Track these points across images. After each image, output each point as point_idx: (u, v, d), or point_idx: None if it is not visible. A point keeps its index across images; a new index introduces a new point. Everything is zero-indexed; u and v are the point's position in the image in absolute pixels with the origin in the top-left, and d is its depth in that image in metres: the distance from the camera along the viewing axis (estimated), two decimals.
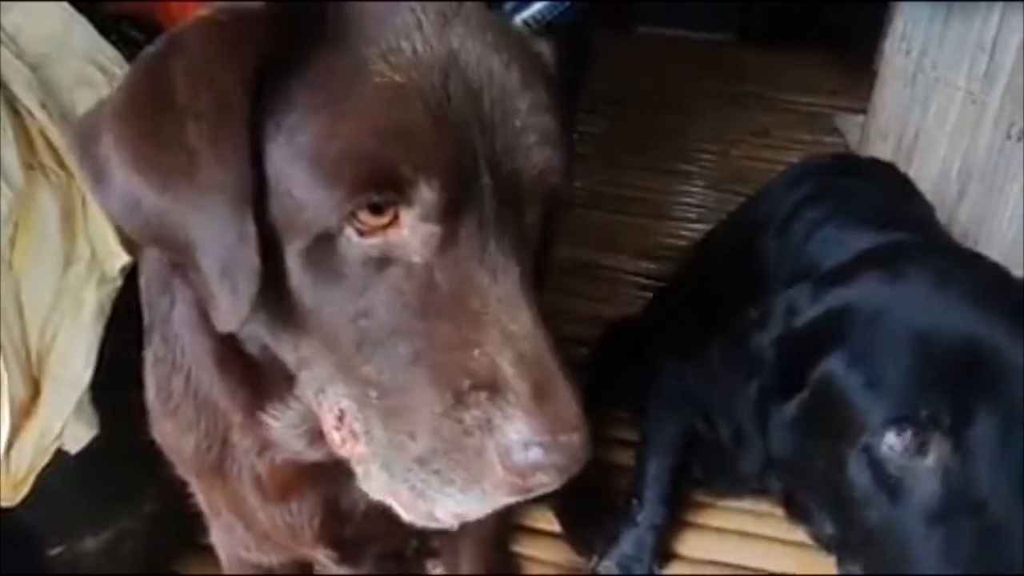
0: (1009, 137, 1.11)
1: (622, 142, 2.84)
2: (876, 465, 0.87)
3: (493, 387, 0.58)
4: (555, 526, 1.46)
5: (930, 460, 0.85)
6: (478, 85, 0.61)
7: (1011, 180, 1.10)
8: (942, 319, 0.88)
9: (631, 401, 1.49)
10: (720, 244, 1.36)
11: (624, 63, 3.17)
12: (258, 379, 0.70)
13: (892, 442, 0.85)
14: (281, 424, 0.73)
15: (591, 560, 1.38)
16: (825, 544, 1.02)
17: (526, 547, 1.44)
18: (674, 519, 1.42)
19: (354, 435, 0.64)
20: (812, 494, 1.00)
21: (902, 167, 1.44)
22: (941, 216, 1.27)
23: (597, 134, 2.87)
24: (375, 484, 0.63)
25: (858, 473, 0.89)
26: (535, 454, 0.56)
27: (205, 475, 0.83)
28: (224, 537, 0.96)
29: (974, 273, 0.95)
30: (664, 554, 1.41)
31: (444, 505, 0.60)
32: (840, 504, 0.93)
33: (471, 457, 0.57)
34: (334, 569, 0.94)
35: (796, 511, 1.08)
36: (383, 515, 0.87)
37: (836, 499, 0.93)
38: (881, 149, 1.52)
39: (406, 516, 0.64)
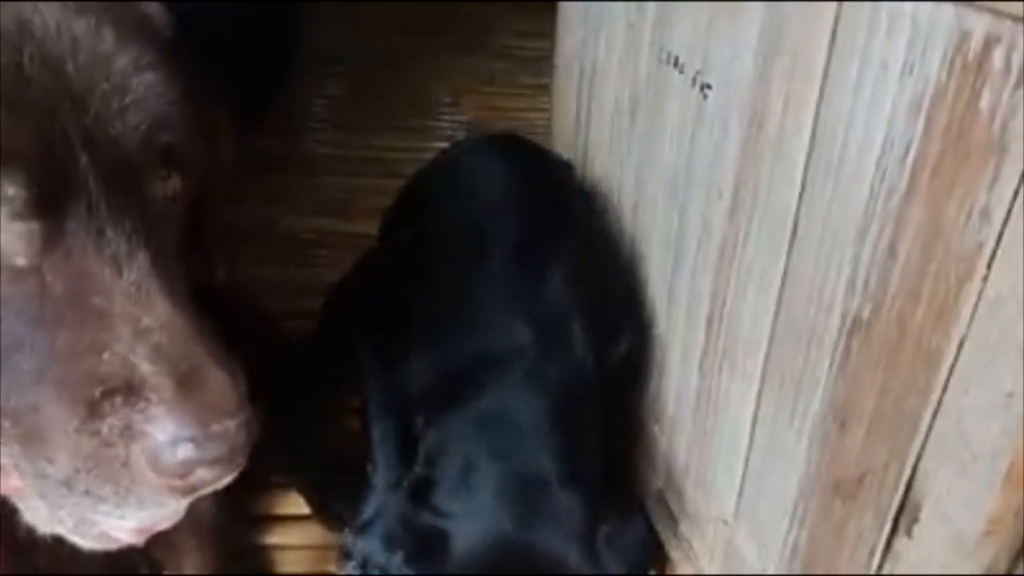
0: (660, 61, 1.17)
1: (353, 102, 2.79)
2: None
3: (129, 389, 0.53)
4: (305, 509, 1.43)
5: None
6: (59, 54, 0.55)
7: (667, 104, 1.16)
8: None
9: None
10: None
11: (346, 20, 3.10)
12: None
13: None
14: None
15: (344, 535, 1.37)
16: None
17: (277, 536, 1.40)
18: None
19: (6, 470, 0.58)
20: None
21: (584, 101, 1.50)
22: (618, 147, 1.34)
23: (330, 96, 2.80)
24: (39, 517, 0.59)
25: None
26: (186, 451, 0.52)
27: None
28: None
29: None
30: None
31: (112, 525, 0.56)
32: None
33: (117, 469, 0.53)
34: None
35: None
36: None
37: None
38: (568, 85, 1.58)
39: (83, 543, 0.59)
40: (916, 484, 0.79)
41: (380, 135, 2.61)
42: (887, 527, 0.83)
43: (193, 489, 0.55)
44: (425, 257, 1.37)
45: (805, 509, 0.96)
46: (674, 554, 1.31)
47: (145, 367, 0.53)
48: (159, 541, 1.02)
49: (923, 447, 0.77)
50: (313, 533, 1.40)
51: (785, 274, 0.95)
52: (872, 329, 0.81)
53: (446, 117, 2.75)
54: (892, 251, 0.77)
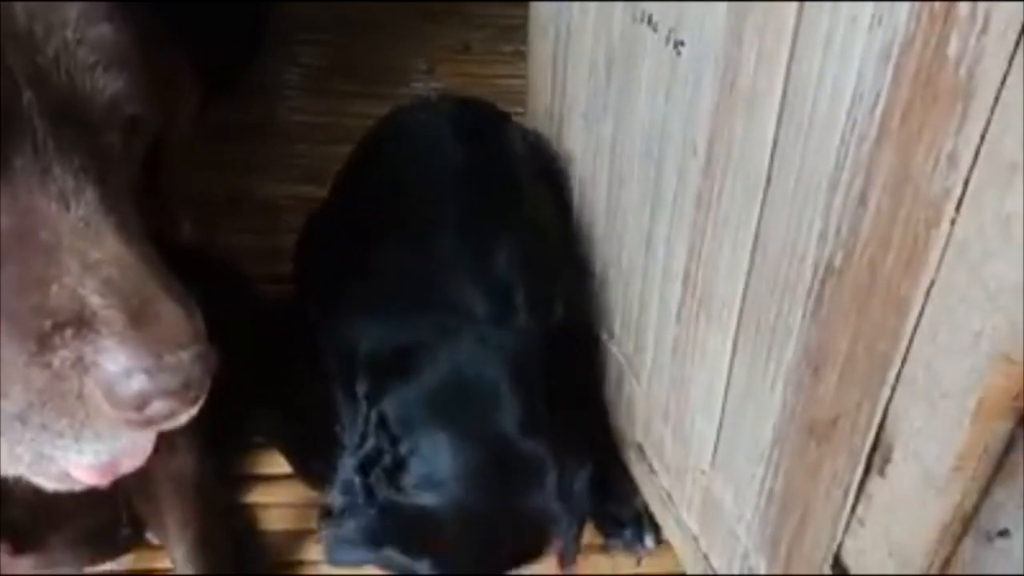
0: (634, 20, 1.18)
1: (329, 70, 2.76)
2: None
3: (80, 321, 0.53)
4: (286, 467, 1.45)
5: None
6: None
7: (642, 62, 1.17)
8: None
9: None
10: None
11: None
12: None
13: None
14: None
15: (326, 492, 1.39)
16: None
17: (261, 495, 1.42)
18: None
19: None
20: None
21: (560, 63, 1.51)
22: (594, 107, 1.35)
23: (305, 64, 2.77)
24: (2, 460, 0.57)
25: None
26: (140, 382, 0.52)
27: None
28: None
29: None
30: None
31: (72, 460, 0.56)
32: None
33: (72, 402, 0.53)
34: (16, 566, 0.87)
35: None
36: (42, 492, 0.81)
37: None
38: (543, 49, 1.58)
39: (47, 484, 0.59)
40: (888, 425, 0.81)
41: (356, 103, 2.59)
42: (860, 468, 0.86)
43: (150, 423, 0.55)
44: (369, 221, 1.38)
45: (780, 453, 0.99)
46: (655, 506, 1.34)
47: (95, 300, 0.53)
48: (142, 498, 1.03)
49: (894, 388, 0.79)
50: (295, 491, 1.42)
51: (759, 226, 0.96)
52: (844, 276, 0.83)
53: (421, 85, 2.74)
54: (863, 199, 0.79)
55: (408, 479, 1.15)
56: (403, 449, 1.17)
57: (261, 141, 2.30)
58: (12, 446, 0.55)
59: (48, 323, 0.53)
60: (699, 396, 1.16)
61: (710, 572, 1.20)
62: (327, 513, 1.38)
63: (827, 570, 0.93)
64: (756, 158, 0.93)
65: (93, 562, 1.26)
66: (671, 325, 1.21)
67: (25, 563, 0.88)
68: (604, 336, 1.46)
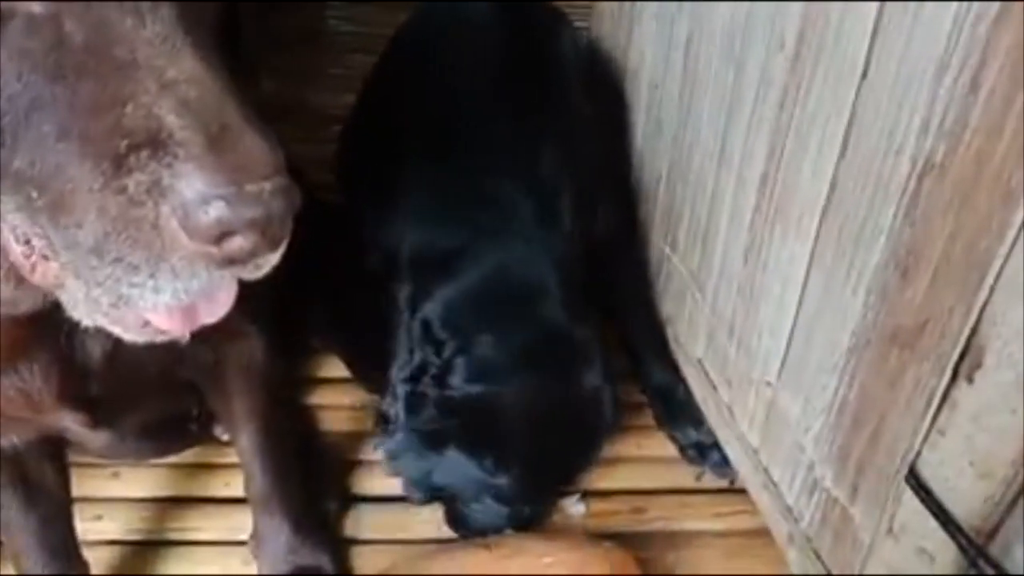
0: None
1: None
2: None
3: (156, 142, 0.50)
4: (344, 371, 1.45)
5: None
6: None
7: None
8: None
9: None
10: None
11: None
12: None
13: None
14: None
15: (383, 396, 1.39)
16: None
17: (320, 397, 1.43)
18: None
19: (43, 255, 0.56)
20: None
21: None
22: (669, 7, 1.29)
23: None
24: (79, 305, 0.56)
25: None
26: (218, 209, 0.49)
27: None
28: None
29: None
30: None
31: (149, 302, 0.52)
32: None
33: (147, 231, 0.50)
34: (91, 440, 0.87)
35: None
36: (126, 366, 0.81)
37: None
38: None
39: (127, 334, 0.57)
40: (982, 329, 0.77)
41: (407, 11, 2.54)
42: (947, 375, 0.82)
43: (230, 260, 0.52)
44: (409, 122, 1.34)
45: (857, 362, 0.95)
46: (714, 421, 1.32)
47: (172, 120, 0.50)
48: (212, 387, 1.04)
49: (992, 290, 0.75)
50: (352, 394, 1.43)
51: (850, 123, 0.92)
52: (946, 171, 0.79)
53: None
54: (974, 86, 0.74)
55: (458, 378, 1.14)
56: (450, 351, 1.16)
57: (314, 50, 2.27)
58: (90, 287, 0.53)
59: (123, 144, 0.50)
60: (769, 308, 1.13)
61: (770, 485, 1.18)
62: (383, 418, 1.39)
63: (901, 481, 0.91)
64: (853, 48, 0.88)
65: (160, 453, 1.29)
66: (742, 235, 1.17)
67: (100, 439, 0.88)
68: (667, 250, 1.42)
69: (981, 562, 0.81)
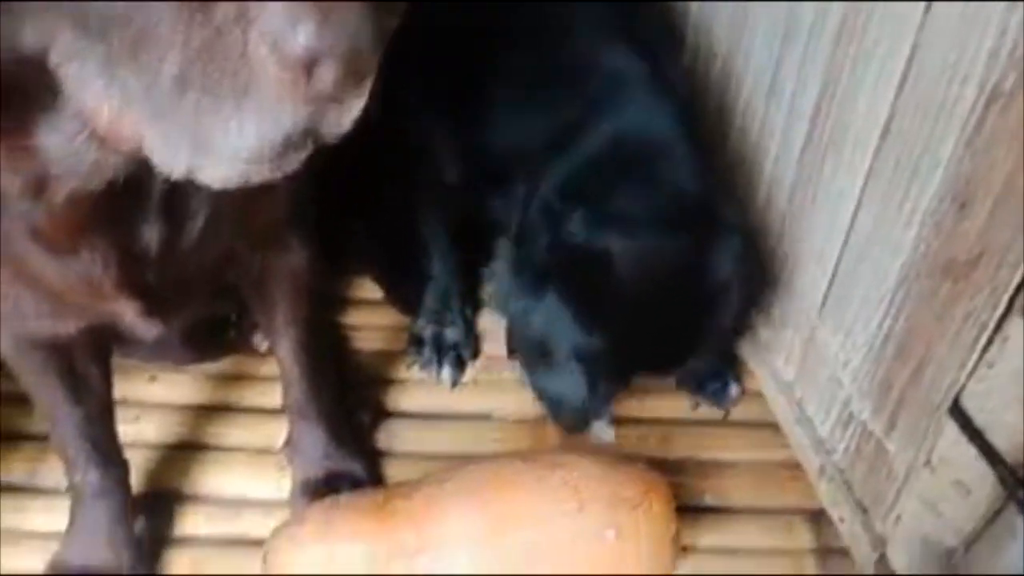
0: None
1: None
2: None
3: None
4: (378, 293, 1.46)
5: None
6: None
7: None
8: None
9: None
10: None
11: None
12: (12, 92, 0.57)
13: None
14: (57, 142, 0.61)
15: (414, 319, 1.40)
16: None
17: (353, 317, 1.44)
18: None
19: (124, 102, 0.53)
20: None
21: None
22: None
23: None
24: (164, 150, 0.53)
25: None
26: (306, 34, 0.46)
27: None
28: (8, 313, 0.87)
29: None
30: None
31: (232, 140, 0.50)
32: None
33: (235, 60, 0.48)
34: (142, 328, 0.88)
35: None
36: (181, 257, 0.81)
37: None
38: None
39: (204, 178, 0.53)
40: None
41: None
42: (1001, 308, 0.82)
43: (317, 95, 0.49)
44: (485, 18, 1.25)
45: (905, 296, 0.95)
46: (747, 355, 1.33)
47: None
48: (255, 293, 1.04)
49: None
50: (385, 316, 1.43)
51: (912, 52, 0.90)
52: (1013, 99, 0.77)
53: None
54: None
55: (576, 225, 1.09)
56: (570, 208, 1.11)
57: None
58: (171, 131, 0.51)
59: None
60: (815, 242, 1.12)
61: (803, 419, 1.19)
62: (416, 340, 1.40)
63: (943, 414, 0.91)
64: None
65: (199, 359, 1.31)
66: (790, 169, 1.16)
67: (151, 331, 0.89)
68: None
69: (1021, 492, 0.82)
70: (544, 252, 1.10)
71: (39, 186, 0.66)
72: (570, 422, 1.19)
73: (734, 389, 1.30)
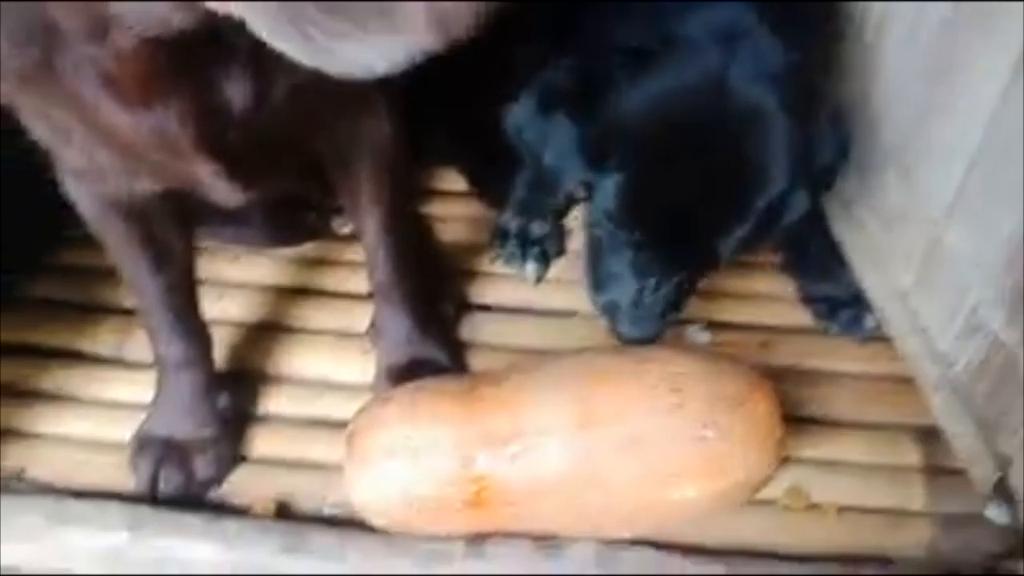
0: None
1: None
2: None
3: None
4: (463, 185, 1.41)
5: None
6: None
7: None
8: None
9: None
10: None
11: None
12: None
13: None
14: None
15: (500, 212, 1.34)
16: None
17: (437, 208, 1.39)
18: None
19: None
20: None
21: None
22: None
23: None
24: (268, 31, 0.48)
25: None
26: None
27: (32, 84, 0.69)
28: (83, 172, 0.83)
29: None
30: None
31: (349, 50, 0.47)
32: None
33: None
34: (222, 193, 0.84)
35: None
36: (265, 120, 0.76)
37: None
38: None
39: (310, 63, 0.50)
40: None
41: None
42: None
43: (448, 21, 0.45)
44: None
45: None
46: (858, 264, 1.22)
47: None
48: (340, 169, 1.00)
49: None
50: (470, 207, 1.39)
51: None
52: None
53: None
54: None
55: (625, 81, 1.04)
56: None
57: None
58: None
59: None
60: (949, 133, 1.01)
61: (919, 330, 1.10)
62: (501, 232, 1.34)
63: None
64: None
65: (280, 242, 1.29)
66: (921, 44, 1.04)
67: (233, 197, 0.84)
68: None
69: None
70: (592, 126, 1.04)
71: (102, 27, 0.62)
72: (631, 323, 1.10)
73: (870, 320, 1.21)
